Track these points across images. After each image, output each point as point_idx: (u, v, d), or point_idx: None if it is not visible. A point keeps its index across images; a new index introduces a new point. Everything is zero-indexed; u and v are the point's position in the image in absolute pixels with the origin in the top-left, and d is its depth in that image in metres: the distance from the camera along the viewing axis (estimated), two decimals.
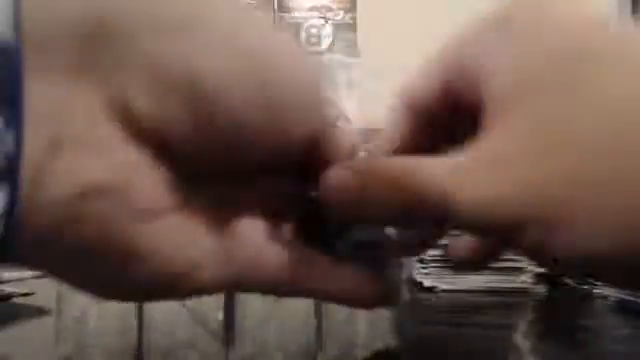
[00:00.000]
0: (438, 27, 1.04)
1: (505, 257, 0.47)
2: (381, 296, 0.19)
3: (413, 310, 0.42)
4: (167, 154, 0.15)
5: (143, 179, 0.15)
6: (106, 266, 0.15)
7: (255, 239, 0.19)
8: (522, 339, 0.31)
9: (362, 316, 0.37)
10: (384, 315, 0.38)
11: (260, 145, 0.16)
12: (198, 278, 0.17)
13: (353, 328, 0.32)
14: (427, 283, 0.47)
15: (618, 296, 0.41)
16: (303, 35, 0.74)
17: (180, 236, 0.16)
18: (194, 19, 0.14)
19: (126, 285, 0.16)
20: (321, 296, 0.20)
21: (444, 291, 0.46)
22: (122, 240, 0.14)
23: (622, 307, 0.39)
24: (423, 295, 0.46)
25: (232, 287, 0.19)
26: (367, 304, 0.20)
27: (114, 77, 0.13)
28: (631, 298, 0.39)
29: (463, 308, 0.41)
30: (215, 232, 0.18)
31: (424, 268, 0.47)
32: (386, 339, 0.30)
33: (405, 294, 0.49)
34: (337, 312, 0.35)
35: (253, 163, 0.18)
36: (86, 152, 0.13)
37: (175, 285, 0.17)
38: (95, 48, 0.13)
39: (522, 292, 0.46)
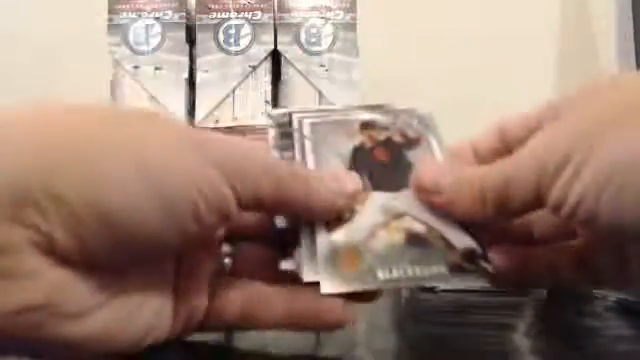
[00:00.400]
0: (438, 27, 1.04)
1: None
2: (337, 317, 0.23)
3: (413, 310, 0.42)
4: (92, 268, 0.19)
5: (69, 292, 0.18)
6: (53, 353, 0.19)
7: (201, 292, 0.23)
8: (522, 339, 0.31)
9: (362, 316, 0.37)
10: (384, 315, 0.38)
11: (168, 242, 0.20)
12: (155, 336, 0.21)
13: (353, 328, 0.32)
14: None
15: (618, 296, 0.41)
16: (303, 35, 0.74)
17: (118, 319, 0.20)
18: (97, 167, 0.18)
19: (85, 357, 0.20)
20: (278, 326, 0.23)
21: (444, 291, 0.46)
22: (59, 338, 0.18)
23: (622, 307, 0.39)
24: (423, 295, 0.45)
25: (197, 331, 0.23)
26: (322, 326, 0.23)
27: (40, 223, 0.17)
28: (631, 298, 0.39)
29: (463, 308, 0.41)
30: (159, 297, 0.22)
31: None
32: (386, 339, 0.30)
33: (405, 294, 0.49)
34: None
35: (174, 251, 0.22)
36: (19, 279, 0.17)
37: (132, 347, 0.21)
38: (24, 204, 0.17)
39: (522, 292, 0.46)
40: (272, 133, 0.28)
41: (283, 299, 0.23)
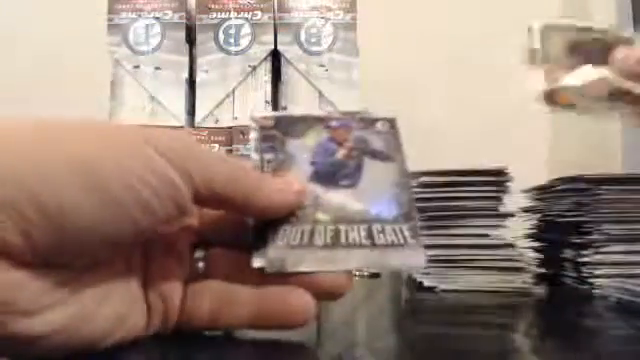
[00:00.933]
0: (438, 27, 1.04)
1: (505, 257, 0.47)
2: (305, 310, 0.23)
3: (413, 310, 0.42)
4: (47, 267, 0.19)
5: (24, 291, 0.19)
6: (12, 349, 0.20)
7: (173, 293, 0.24)
8: (522, 339, 0.31)
9: (362, 316, 0.37)
10: (384, 315, 0.38)
11: (119, 235, 0.20)
12: (122, 335, 0.22)
13: (353, 328, 0.32)
14: (427, 283, 0.47)
15: (618, 296, 0.41)
16: (303, 35, 0.74)
17: (76, 316, 0.20)
18: (38, 169, 0.18)
19: (45, 351, 0.20)
20: (247, 323, 0.24)
21: (444, 291, 0.46)
22: (17, 334, 0.19)
23: (622, 307, 0.39)
24: (423, 295, 0.46)
25: (174, 331, 0.24)
26: (289, 322, 0.23)
27: None
28: (631, 298, 0.39)
29: (463, 308, 0.41)
30: (123, 297, 0.22)
31: (424, 268, 0.47)
32: (386, 339, 0.30)
33: (405, 294, 0.49)
34: (337, 312, 0.35)
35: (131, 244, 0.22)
36: None
37: (94, 343, 0.21)
38: None
39: (522, 292, 0.46)
40: (254, 135, 0.28)
41: (251, 299, 0.24)
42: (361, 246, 0.25)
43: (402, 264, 0.26)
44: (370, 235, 0.25)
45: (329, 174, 0.27)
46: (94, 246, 0.20)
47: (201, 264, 0.26)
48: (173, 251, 0.25)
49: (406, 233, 0.26)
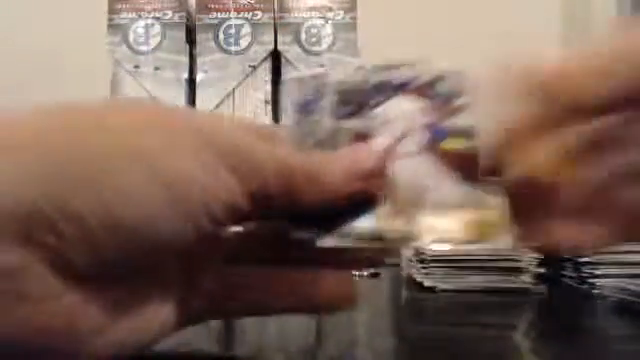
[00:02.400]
0: (438, 27, 1.04)
1: (505, 257, 0.47)
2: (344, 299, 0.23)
3: (413, 310, 0.42)
4: (107, 285, 0.19)
5: (86, 312, 0.19)
6: None
7: (204, 278, 0.23)
8: (522, 339, 0.31)
9: (362, 316, 0.37)
10: (384, 315, 0.38)
11: (184, 244, 0.19)
12: (174, 326, 0.22)
13: (353, 328, 0.32)
14: (427, 283, 0.47)
15: (618, 296, 0.41)
16: (303, 35, 0.74)
17: (135, 329, 0.20)
18: (112, 182, 0.18)
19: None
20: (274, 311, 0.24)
21: (444, 291, 0.46)
22: (80, 353, 0.19)
23: (622, 307, 0.39)
24: (423, 295, 0.45)
25: (206, 319, 0.24)
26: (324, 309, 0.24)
27: (57, 245, 0.17)
28: (631, 298, 0.39)
29: (463, 308, 0.41)
30: (170, 297, 0.22)
31: (424, 268, 0.47)
32: (386, 339, 0.30)
33: (405, 294, 0.49)
34: (337, 312, 0.35)
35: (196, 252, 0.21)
36: (36, 303, 0.17)
37: (156, 342, 0.21)
38: (38, 226, 0.17)
39: (522, 292, 0.46)
40: (328, 100, 0.25)
41: (290, 285, 0.23)
42: None
43: None
44: None
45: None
46: (159, 257, 0.20)
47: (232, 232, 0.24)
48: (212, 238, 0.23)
49: None
